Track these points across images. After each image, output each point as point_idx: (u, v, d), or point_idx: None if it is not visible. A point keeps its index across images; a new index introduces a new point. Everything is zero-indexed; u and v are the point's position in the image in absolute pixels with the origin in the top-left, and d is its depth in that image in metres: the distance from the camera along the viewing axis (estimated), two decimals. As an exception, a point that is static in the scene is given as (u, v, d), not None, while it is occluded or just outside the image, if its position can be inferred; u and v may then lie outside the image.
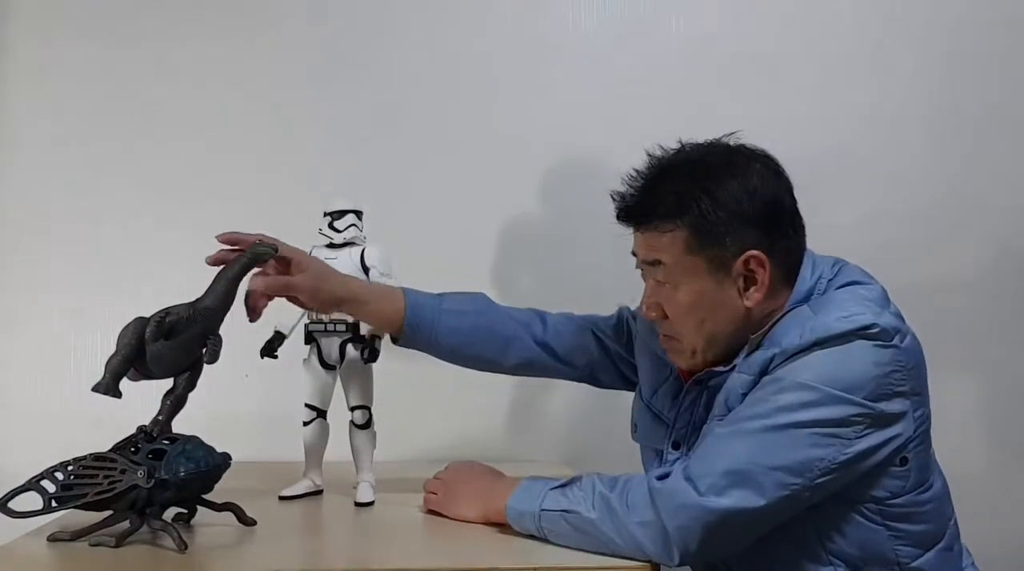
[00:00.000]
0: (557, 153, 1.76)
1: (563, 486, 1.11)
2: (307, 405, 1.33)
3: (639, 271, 1.23)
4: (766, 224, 1.13)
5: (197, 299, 1.15)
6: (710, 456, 1.05)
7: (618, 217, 1.19)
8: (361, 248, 1.32)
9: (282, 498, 1.31)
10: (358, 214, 1.33)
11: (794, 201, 1.18)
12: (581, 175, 1.76)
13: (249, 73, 1.76)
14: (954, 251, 1.76)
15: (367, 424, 1.33)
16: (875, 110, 1.77)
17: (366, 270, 1.31)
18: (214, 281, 1.15)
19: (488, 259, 1.73)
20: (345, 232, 1.31)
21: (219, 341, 1.15)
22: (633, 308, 1.37)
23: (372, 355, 1.29)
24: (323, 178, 1.75)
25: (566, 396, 1.73)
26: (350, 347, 1.31)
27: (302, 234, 1.72)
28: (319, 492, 1.34)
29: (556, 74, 1.77)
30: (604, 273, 1.74)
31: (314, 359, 1.32)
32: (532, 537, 1.10)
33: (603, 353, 1.40)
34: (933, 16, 1.78)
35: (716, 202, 1.12)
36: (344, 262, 1.31)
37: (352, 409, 1.33)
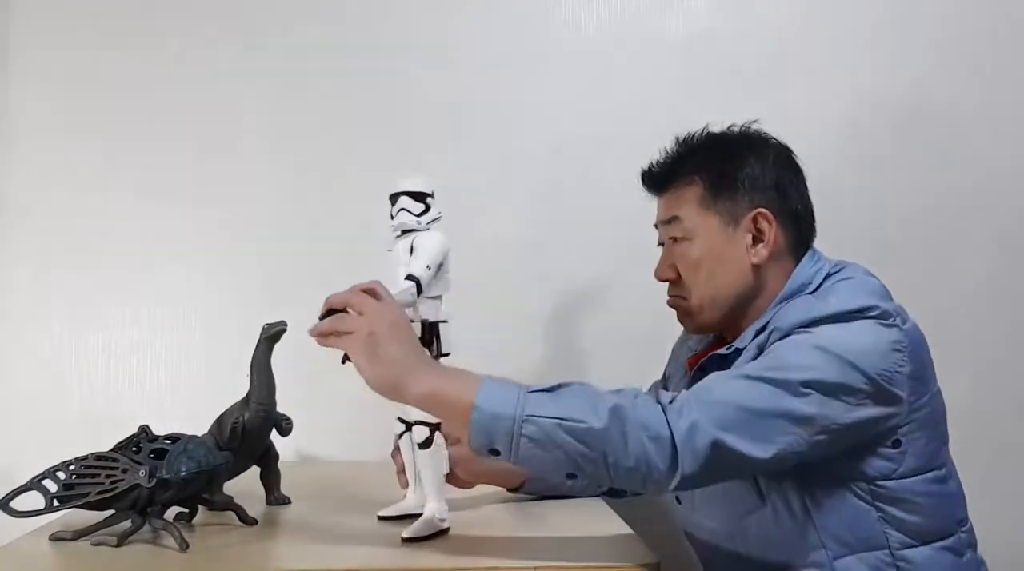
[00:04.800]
0: (557, 153, 1.76)
1: (547, 391, 1.00)
2: (398, 418, 1.18)
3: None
4: (776, 192, 1.21)
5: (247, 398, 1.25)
6: (720, 391, 1.05)
7: (643, 181, 1.29)
8: (414, 236, 1.12)
9: (381, 518, 1.19)
10: (415, 196, 1.12)
11: (804, 185, 1.25)
12: (581, 176, 1.76)
13: (253, 72, 1.76)
14: (955, 250, 1.76)
15: (427, 443, 1.12)
16: (876, 108, 1.77)
17: None
18: (251, 372, 1.25)
19: (486, 260, 1.73)
20: (396, 219, 1.13)
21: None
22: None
23: None
24: (324, 178, 1.76)
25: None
26: None
27: (304, 233, 1.74)
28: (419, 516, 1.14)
29: (555, 74, 1.77)
30: (607, 272, 1.75)
31: None
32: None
33: None
34: (934, 13, 1.78)
35: (731, 163, 1.22)
36: (397, 254, 1.13)
37: (412, 424, 1.15)
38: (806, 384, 1.04)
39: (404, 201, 1.12)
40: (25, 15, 1.75)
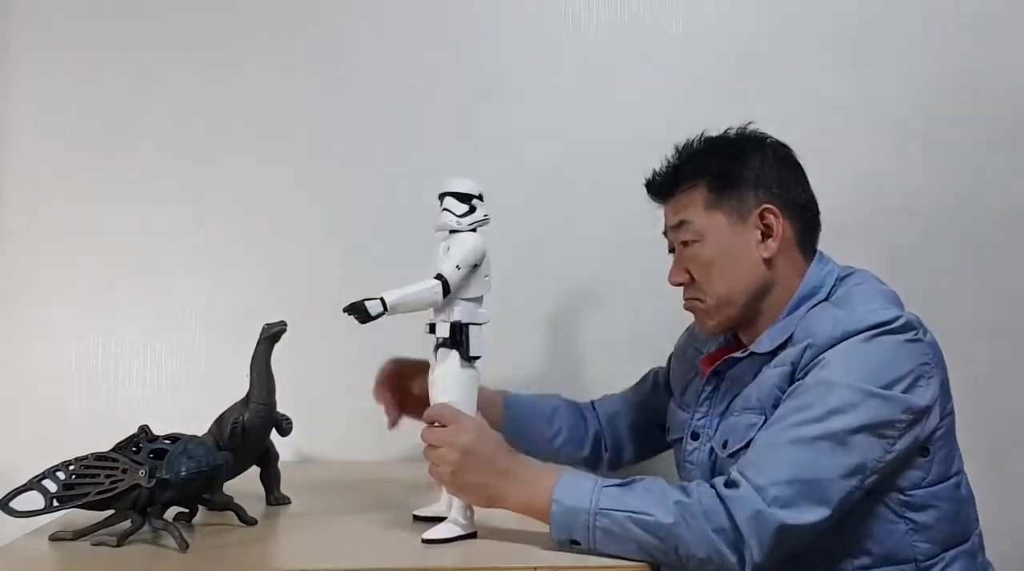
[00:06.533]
0: (557, 154, 1.75)
1: (620, 486, 1.07)
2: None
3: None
4: (779, 187, 1.24)
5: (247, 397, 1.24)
6: (771, 463, 1.06)
7: (648, 190, 1.31)
8: (453, 237, 1.11)
9: (416, 518, 1.16)
10: (459, 197, 1.11)
11: (805, 178, 1.28)
12: (582, 176, 1.75)
13: (255, 73, 1.75)
14: (954, 252, 1.76)
15: None
16: (876, 109, 1.77)
17: None
18: (251, 372, 1.24)
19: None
20: (439, 220, 1.12)
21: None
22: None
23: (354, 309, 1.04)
24: (324, 179, 1.75)
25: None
26: (441, 351, 1.12)
27: (305, 233, 1.74)
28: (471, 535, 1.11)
29: (556, 74, 1.77)
30: (607, 274, 1.75)
31: None
32: (558, 543, 1.05)
33: (643, 415, 1.49)
34: (933, 13, 1.78)
35: (733, 163, 1.24)
36: (439, 254, 1.11)
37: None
38: (852, 431, 1.06)
39: (448, 202, 1.11)
40: (25, 20, 1.75)
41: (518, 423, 1.42)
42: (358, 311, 1.05)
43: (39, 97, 1.75)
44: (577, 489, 1.06)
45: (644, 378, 1.52)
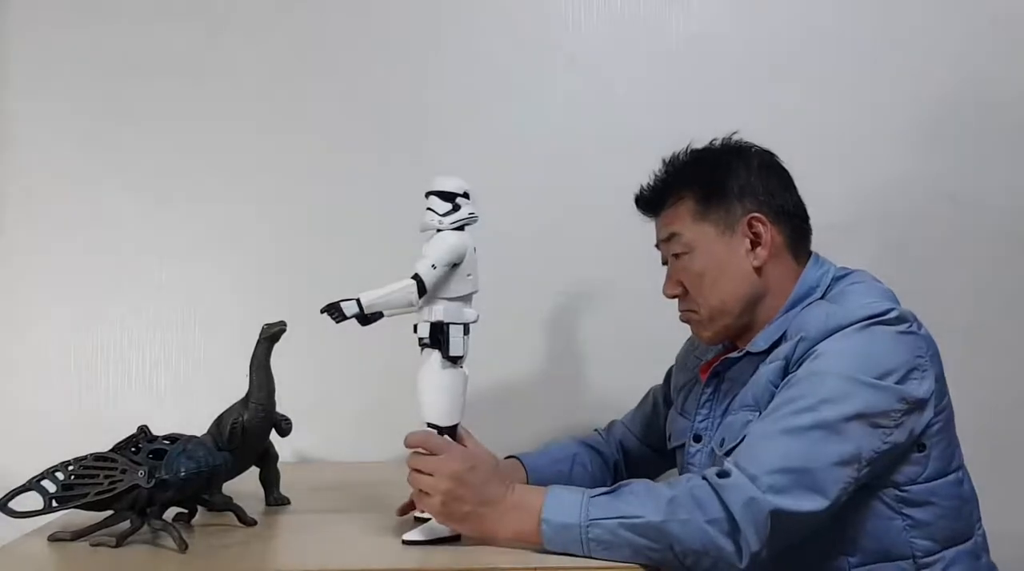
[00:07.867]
0: (556, 154, 1.75)
1: (608, 493, 1.05)
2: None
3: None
4: (765, 194, 1.24)
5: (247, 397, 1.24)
6: (764, 453, 1.05)
7: (637, 204, 1.33)
8: (433, 237, 1.10)
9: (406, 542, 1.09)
10: (443, 196, 1.09)
11: (792, 184, 1.28)
12: (580, 177, 1.75)
13: (254, 71, 1.75)
14: (954, 252, 1.76)
15: None
16: (876, 109, 1.77)
17: None
18: (251, 372, 1.24)
19: (485, 261, 1.73)
20: (423, 219, 1.10)
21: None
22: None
23: (331, 309, 1.06)
24: (325, 179, 1.75)
25: (565, 401, 1.74)
26: (424, 351, 1.10)
27: (305, 233, 1.74)
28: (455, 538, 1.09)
29: (555, 74, 1.77)
30: (605, 274, 1.74)
31: None
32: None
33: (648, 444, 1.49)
34: (933, 15, 1.78)
35: (718, 174, 1.25)
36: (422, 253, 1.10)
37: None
38: (845, 419, 1.06)
39: (431, 201, 1.09)
40: (24, 9, 1.75)
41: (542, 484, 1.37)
42: (334, 311, 1.06)
43: (40, 96, 1.75)
44: (565, 504, 1.05)
45: (645, 398, 1.52)
